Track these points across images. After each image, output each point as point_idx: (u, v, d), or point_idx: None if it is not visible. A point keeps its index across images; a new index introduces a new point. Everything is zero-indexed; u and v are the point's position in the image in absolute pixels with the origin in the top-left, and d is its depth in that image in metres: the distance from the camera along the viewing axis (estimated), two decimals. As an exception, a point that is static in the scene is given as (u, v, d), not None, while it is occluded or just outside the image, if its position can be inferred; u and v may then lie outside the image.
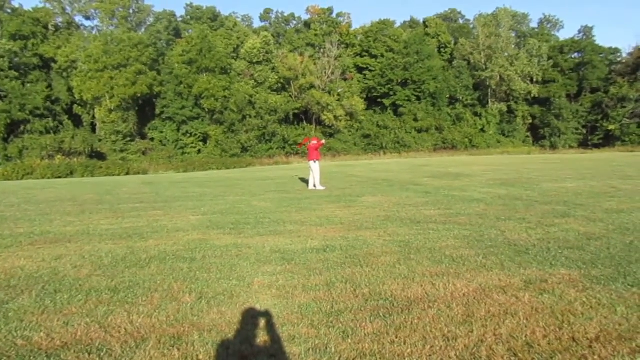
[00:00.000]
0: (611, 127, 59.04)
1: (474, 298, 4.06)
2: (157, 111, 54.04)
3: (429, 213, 9.05)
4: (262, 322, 3.66)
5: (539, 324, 3.43)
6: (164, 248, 6.44)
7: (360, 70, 62.43)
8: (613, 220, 7.61)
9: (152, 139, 54.06)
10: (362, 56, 62.83)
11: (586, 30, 68.98)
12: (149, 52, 53.53)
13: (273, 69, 58.36)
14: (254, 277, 4.92)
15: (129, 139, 52.95)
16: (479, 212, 9.01)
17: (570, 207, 9.18)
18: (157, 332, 3.49)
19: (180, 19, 65.96)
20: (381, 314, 3.74)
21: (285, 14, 75.43)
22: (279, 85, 58.49)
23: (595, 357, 2.90)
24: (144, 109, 56.70)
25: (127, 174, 38.39)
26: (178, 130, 53.43)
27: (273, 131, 54.52)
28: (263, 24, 75.32)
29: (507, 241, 6.29)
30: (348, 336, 3.33)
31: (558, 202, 9.95)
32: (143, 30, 63.29)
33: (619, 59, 67.73)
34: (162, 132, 53.59)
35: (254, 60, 57.70)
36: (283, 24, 74.74)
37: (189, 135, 53.29)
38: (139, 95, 51.99)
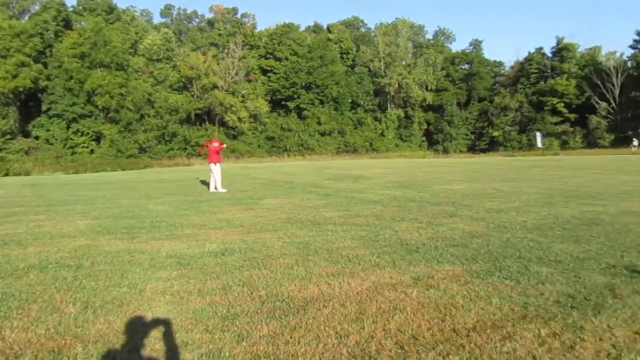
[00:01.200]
0: (495, 133, 64.36)
1: (367, 296, 4.23)
2: (44, 107, 49.94)
3: (328, 215, 9.27)
4: (154, 330, 3.53)
5: (424, 317, 3.65)
6: (45, 256, 5.97)
7: (264, 72, 62.38)
8: (493, 219, 8.30)
9: (36, 138, 49.81)
10: (266, 58, 62.83)
11: (476, 44, 74.68)
12: (33, 43, 49.32)
13: (174, 67, 56.45)
14: (147, 283, 4.73)
15: (8, 136, 48.30)
16: (375, 213, 9.39)
17: (457, 208, 9.87)
18: (34, 347, 3.23)
19: (72, 9, 61.53)
20: (277, 316, 3.77)
21: (188, 11, 73.58)
22: (180, 84, 56.69)
23: (472, 345, 3.15)
24: (27, 104, 52.12)
25: (7, 175, 34.98)
26: (67, 128, 49.78)
27: (174, 131, 52.69)
28: (164, 20, 72.70)
29: (400, 240, 6.62)
30: (243, 339, 3.32)
31: (447, 203, 10.66)
32: (27, 18, 58.12)
33: (502, 72, 74.23)
34: (48, 130, 49.60)
35: (154, 58, 55.44)
36: (185, 22, 72.63)
37: (80, 134, 49.85)
38: (22, 89, 47.70)
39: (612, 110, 57.59)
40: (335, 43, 68.97)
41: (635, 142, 46.37)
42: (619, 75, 57.23)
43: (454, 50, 75.66)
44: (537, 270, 4.92)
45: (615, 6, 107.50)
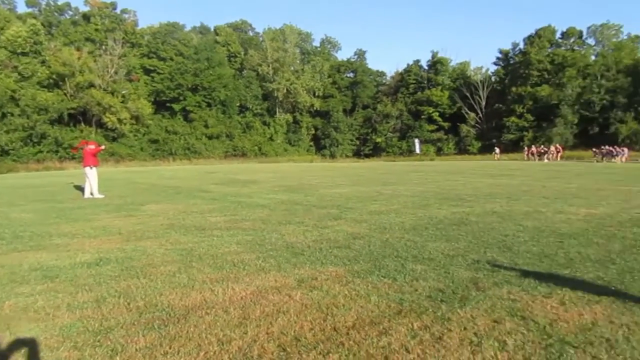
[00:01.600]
0: (378, 139, 67.72)
1: (251, 300, 4.20)
2: None
3: (214, 220, 9.08)
4: (13, 353, 3.18)
5: (307, 318, 3.72)
6: None
7: (147, 72, 59.49)
8: (375, 221, 8.70)
9: None
10: (149, 57, 60.01)
11: (360, 53, 78.04)
12: None
13: (43, 62, 51.63)
14: (6, 300, 4.26)
15: None
16: (262, 217, 9.38)
17: (342, 211, 10.20)
18: None
19: None
20: (156, 326, 3.60)
21: (59, 2, 67.50)
22: (51, 81, 51.98)
23: (351, 342, 3.26)
24: None
25: None
26: None
27: (43, 132, 48.20)
28: (30, 9, 65.94)
29: (286, 244, 6.68)
30: (117, 354, 3.12)
31: (332, 206, 10.98)
32: None
33: (384, 81, 78.43)
34: None
35: (18, 51, 50.23)
36: (56, 13, 66.75)
37: None
38: None
39: (479, 120, 63.45)
40: (223, 46, 68.03)
41: (497, 150, 51.47)
42: (485, 88, 63.29)
43: (339, 59, 78.36)
44: (412, 268, 5.25)
45: (482, 25, 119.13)
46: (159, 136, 56.18)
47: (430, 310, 3.88)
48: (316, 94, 68.06)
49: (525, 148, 48.43)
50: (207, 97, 59.56)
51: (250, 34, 79.74)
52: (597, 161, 38.61)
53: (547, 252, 6.04)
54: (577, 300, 4.14)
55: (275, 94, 65.75)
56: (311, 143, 70.42)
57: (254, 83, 65.10)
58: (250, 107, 64.78)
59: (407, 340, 3.26)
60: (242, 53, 70.26)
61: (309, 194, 14.28)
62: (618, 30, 60.76)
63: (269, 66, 65.97)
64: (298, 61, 69.79)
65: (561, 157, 43.16)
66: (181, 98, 58.91)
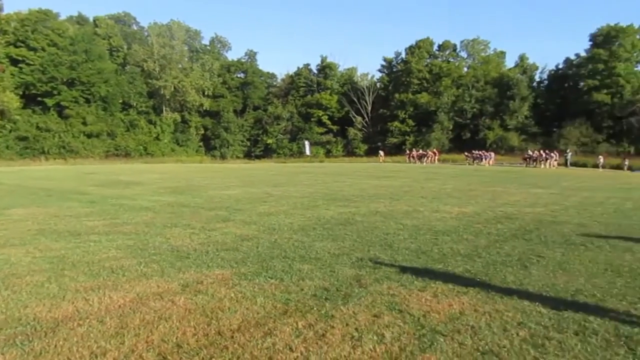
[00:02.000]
0: (269, 141, 67.76)
1: (130, 308, 3.98)
2: None
3: (91, 224, 8.47)
4: None
5: (190, 324, 3.61)
6: None
7: (15, 62, 53.68)
8: (264, 222, 8.71)
9: None
10: (17, 46, 54.19)
11: (251, 54, 77.47)
12: None
13: None
14: None
15: None
16: (146, 220, 8.95)
17: (231, 212, 10.06)
18: None
19: None
20: (18, 342, 3.26)
21: None
22: None
23: (235, 345, 3.23)
24: None
25: None
26: None
27: None
28: None
29: (171, 247, 6.44)
30: (-31, 376, 2.78)
31: (221, 208, 10.79)
32: None
33: (275, 83, 78.72)
34: None
35: None
36: None
37: None
38: None
39: (365, 124, 66.20)
40: (104, 38, 63.61)
41: (382, 153, 54.08)
42: (371, 94, 66.22)
43: (230, 59, 77.22)
44: (299, 268, 5.33)
45: (368, 33, 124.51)
46: (28, 133, 51.04)
47: (315, 308, 3.97)
48: (206, 94, 66.31)
49: (407, 151, 51.35)
50: (86, 92, 55.26)
51: (134, 27, 75.62)
52: (469, 164, 42.01)
53: (424, 248, 6.47)
54: (448, 292, 4.49)
55: (162, 92, 62.92)
56: (200, 143, 68.42)
57: (138, 79, 61.69)
58: (135, 104, 61.30)
59: (291, 340, 3.31)
60: (125, 47, 66.33)
61: (197, 195, 13.89)
62: (486, 46, 66.75)
63: (155, 62, 62.94)
64: (186, 59, 67.44)
65: (438, 160, 46.32)
66: (55, 92, 53.95)
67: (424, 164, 43.87)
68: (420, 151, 49.05)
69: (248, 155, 67.88)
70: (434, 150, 49.20)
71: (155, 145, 60.89)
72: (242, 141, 69.23)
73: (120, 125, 58.95)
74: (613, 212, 10.91)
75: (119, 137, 57.79)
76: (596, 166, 38.03)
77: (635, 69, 51.99)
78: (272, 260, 5.70)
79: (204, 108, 66.38)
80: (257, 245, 6.66)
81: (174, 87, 62.91)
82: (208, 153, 67.16)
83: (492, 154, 44.44)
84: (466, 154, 45.11)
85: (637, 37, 51.54)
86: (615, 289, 4.64)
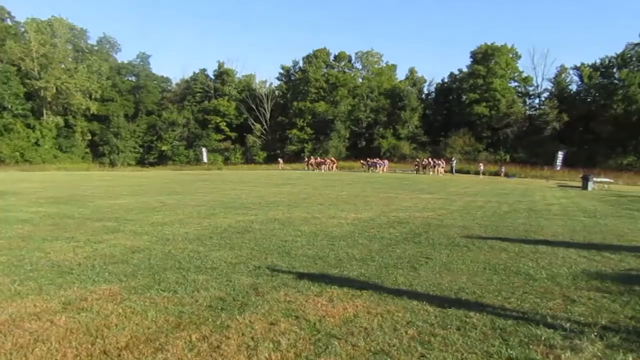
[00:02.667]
0: (164, 147, 65.18)
1: (1, 332, 3.59)
2: None
3: (-45, 239, 7.53)
4: None
5: (72, 344, 3.34)
6: None
7: None
8: (157, 233, 8.33)
9: None
10: None
11: (143, 57, 74.12)
12: None
13: None
14: None
15: None
16: (22, 234, 8.15)
17: (120, 223, 9.50)
18: None
19: None
20: None
21: None
22: None
23: (123, 364, 3.04)
24: None
25: None
26: None
27: None
28: None
29: (51, 263, 5.92)
30: None
31: (110, 219, 10.14)
32: None
33: (170, 88, 75.99)
34: None
35: None
36: None
37: None
38: None
39: (264, 131, 66.21)
40: (-30, 31, 57.33)
41: (281, 160, 54.38)
42: (269, 101, 66.43)
43: (120, 61, 73.29)
44: (194, 279, 5.16)
45: (266, 40, 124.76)
46: None
47: (210, 320, 3.86)
48: (93, 97, 62.10)
49: (306, 159, 52.11)
50: (-52, 92, 49.44)
51: (9, 22, 68.97)
52: (364, 171, 43.62)
53: (321, 254, 6.59)
54: (343, 296, 4.60)
55: (43, 94, 57.95)
56: (87, 150, 63.89)
57: (13, 79, 56.15)
58: (10, 106, 55.64)
59: (184, 354, 3.18)
60: (-1, 43, 60.26)
61: (82, 205, 12.92)
62: (379, 58, 69.98)
63: (33, 61, 57.81)
64: (70, 59, 62.76)
65: (336, 168, 47.57)
66: None
67: (322, 171, 44.76)
68: (319, 159, 49.95)
69: (141, 163, 64.66)
70: (332, 158, 50.41)
71: (34, 151, 55.87)
72: (134, 147, 65.87)
73: (-8, 129, 53.32)
74: (491, 215, 11.93)
75: (-9, 142, 52.25)
76: (477, 173, 41.42)
77: (509, 85, 57.50)
78: (165, 272, 5.47)
79: (91, 112, 62.12)
80: (149, 257, 6.34)
81: (57, 89, 58.21)
82: (96, 160, 62.91)
83: (386, 161, 46.55)
84: (362, 161, 46.79)
85: (510, 55, 57.09)
86: (492, 285, 5.06)
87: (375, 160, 45.81)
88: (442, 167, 41.81)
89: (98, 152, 64.00)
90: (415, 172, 42.51)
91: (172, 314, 3.99)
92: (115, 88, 66.42)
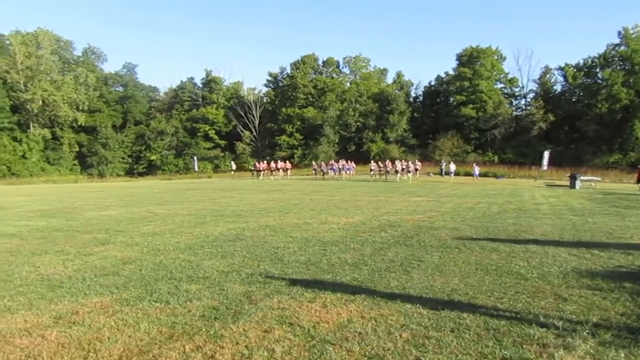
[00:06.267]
0: (153, 157, 64.79)
1: (-9, 349, 3.54)
2: None
3: (-58, 256, 7.43)
4: None
5: (64, 359, 3.30)
6: None
7: None
8: (148, 243, 8.27)
9: None
10: None
11: (130, 67, 73.81)
12: None
13: None
14: None
15: None
16: (11, 248, 8.05)
17: (111, 234, 9.42)
18: None
19: None
20: None
21: None
22: None
23: (116, 378, 3.01)
24: None
25: None
26: None
27: None
28: None
29: (41, 277, 5.86)
30: None
31: (100, 230, 10.06)
32: None
33: (157, 97, 75.71)
34: None
35: None
36: None
37: None
38: None
39: (254, 138, 66.09)
40: (-44, 46, 56.78)
41: (234, 166, 52.92)
42: (258, 108, 66.36)
43: (106, 71, 72.89)
44: (186, 289, 5.13)
45: (253, 47, 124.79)
46: None
47: (204, 329, 3.84)
48: (80, 108, 61.64)
49: (256, 164, 49.18)
50: None
51: (-7, 36, 68.38)
52: (321, 178, 40.08)
53: (313, 260, 6.59)
54: (337, 301, 4.60)
55: (29, 106, 57.45)
56: (75, 161, 63.28)
57: (-1, 92, 55.75)
58: (-5, 120, 55.20)
59: (177, 365, 3.16)
60: (-18, 57, 59.62)
61: (71, 218, 12.81)
62: (367, 63, 70.25)
63: (19, 74, 57.29)
64: (57, 70, 62.26)
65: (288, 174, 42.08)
66: None
67: (274, 178, 39.66)
68: (273, 164, 43.34)
69: (130, 173, 64.18)
70: (286, 163, 44.91)
71: (21, 164, 55.26)
72: (123, 158, 65.38)
73: (-23, 143, 52.69)
74: (481, 216, 12.00)
75: (-23, 156, 51.63)
76: (470, 175, 40.44)
77: (495, 86, 57.98)
78: (157, 283, 5.43)
79: (79, 123, 61.65)
80: (140, 267, 6.30)
81: (43, 101, 57.71)
82: (84, 171, 62.28)
83: (353, 165, 40.84)
84: (315, 165, 42.80)
85: (495, 57, 57.61)
86: (484, 286, 5.09)
87: (332, 164, 40.15)
88: (410, 172, 33.69)
89: (86, 163, 63.41)
90: (377, 176, 35.94)
91: (165, 325, 3.97)
92: (102, 99, 66.00)
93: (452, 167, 35.55)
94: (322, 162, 41.56)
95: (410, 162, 33.40)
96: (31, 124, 59.24)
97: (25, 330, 3.94)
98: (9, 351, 3.48)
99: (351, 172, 39.61)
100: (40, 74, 58.33)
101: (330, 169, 39.42)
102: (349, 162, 40.89)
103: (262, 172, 41.59)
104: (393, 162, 35.31)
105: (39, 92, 57.10)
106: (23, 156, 56.59)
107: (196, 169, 56.25)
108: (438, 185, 27.25)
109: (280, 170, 42.06)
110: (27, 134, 58.30)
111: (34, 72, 57.88)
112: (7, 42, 61.22)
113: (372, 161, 39.84)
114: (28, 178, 51.96)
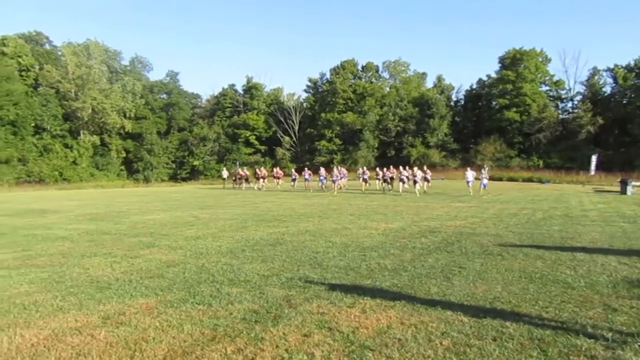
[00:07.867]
0: (196, 162, 66.30)
1: (45, 346, 3.72)
2: None
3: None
4: None
5: (112, 358, 3.44)
6: None
7: None
8: (191, 247, 8.48)
9: None
10: None
11: (172, 75, 75.90)
12: None
13: None
14: None
15: None
16: (63, 250, 8.42)
17: (155, 238, 9.71)
18: None
19: None
20: None
21: None
22: None
23: (161, 377, 3.11)
24: None
25: None
26: None
27: None
28: None
29: (90, 278, 6.10)
30: None
31: (145, 234, 10.37)
32: None
33: (200, 104, 77.56)
34: None
35: None
36: None
37: None
38: None
39: (293, 144, 66.69)
40: (12, 58, 59.65)
41: (225, 172, 52.88)
42: (297, 113, 66.95)
43: (152, 79, 75.20)
44: (228, 292, 5.23)
45: (293, 53, 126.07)
46: None
47: (245, 332, 3.91)
48: (127, 115, 63.88)
49: (240, 172, 47.40)
50: (-7, 115, 51.54)
51: (47, 47, 71.71)
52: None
53: (353, 265, 6.58)
54: (376, 307, 4.58)
55: (79, 114, 59.94)
56: (122, 167, 65.53)
57: (52, 101, 58.22)
58: (49, 127, 57.75)
59: (220, 366, 3.23)
60: (37, 67, 62.60)
61: (119, 222, 13.27)
62: (407, 67, 69.91)
63: (70, 83, 59.89)
64: (105, 79, 64.73)
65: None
66: (-43, 116, 49.93)
67: (256, 189, 32.15)
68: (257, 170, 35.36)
69: (174, 178, 65.86)
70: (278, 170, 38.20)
71: (72, 170, 57.63)
72: (167, 163, 67.19)
73: (32, 150, 55.26)
74: (525, 222, 11.68)
75: (32, 162, 54.12)
76: (512, 179, 39.52)
77: (540, 89, 56.37)
78: (199, 286, 5.56)
79: (126, 130, 63.89)
80: (183, 270, 6.46)
81: (93, 109, 60.13)
82: (131, 177, 64.39)
83: (344, 171, 31.36)
84: (276, 171, 36.54)
85: (539, 59, 56.05)
86: (528, 294, 4.95)
87: (309, 173, 32.85)
88: (417, 182, 24.65)
89: (132, 168, 65.54)
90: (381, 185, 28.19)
91: (207, 327, 4.06)
92: (148, 106, 68.08)
93: (485, 177, 26.16)
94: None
95: (417, 169, 25.92)
96: (81, 131, 61.75)
97: (76, 329, 4.11)
98: (61, 349, 3.64)
99: (344, 179, 30.46)
100: (90, 83, 60.74)
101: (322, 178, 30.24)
102: (340, 169, 31.11)
103: (242, 181, 35.83)
104: (398, 169, 27.88)
105: (88, 100, 59.47)
106: (74, 162, 58.98)
107: (224, 177, 50.37)
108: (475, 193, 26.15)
109: (270, 179, 35.35)
110: (77, 140, 60.78)
111: (84, 81, 60.34)
112: (59, 53, 64.14)
113: (377, 168, 31.71)
114: (78, 183, 54.12)
